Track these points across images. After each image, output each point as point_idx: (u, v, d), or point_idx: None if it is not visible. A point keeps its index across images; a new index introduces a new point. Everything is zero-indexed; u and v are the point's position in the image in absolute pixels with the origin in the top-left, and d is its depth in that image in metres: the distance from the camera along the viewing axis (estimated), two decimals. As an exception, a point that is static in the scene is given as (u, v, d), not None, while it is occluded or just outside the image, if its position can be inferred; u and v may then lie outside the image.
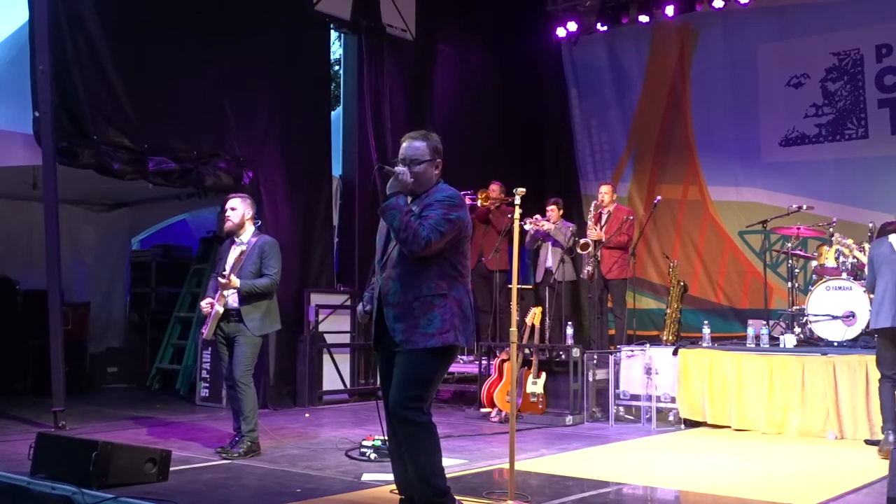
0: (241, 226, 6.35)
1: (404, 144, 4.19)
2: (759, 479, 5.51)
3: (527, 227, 9.25)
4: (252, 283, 6.17)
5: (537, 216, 9.52)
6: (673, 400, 7.85)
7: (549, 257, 9.50)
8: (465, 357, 9.58)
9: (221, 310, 6.16)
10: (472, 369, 9.30)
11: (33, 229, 9.82)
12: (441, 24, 11.37)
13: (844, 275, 7.78)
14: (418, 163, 4.12)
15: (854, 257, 7.74)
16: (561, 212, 9.68)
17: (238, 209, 6.33)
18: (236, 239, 6.36)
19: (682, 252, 11.56)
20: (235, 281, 6.12)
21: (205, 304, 6.26)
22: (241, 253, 6.23)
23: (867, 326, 7.45)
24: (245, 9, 9.06)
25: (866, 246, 7.84)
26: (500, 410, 8.05)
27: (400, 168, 4.09)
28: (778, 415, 7.38)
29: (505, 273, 9.80)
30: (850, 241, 7.71)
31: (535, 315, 8.29)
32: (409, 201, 4.12)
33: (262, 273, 6.22)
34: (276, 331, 6.95)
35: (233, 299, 6.18)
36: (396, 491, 4.29)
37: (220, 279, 6.17)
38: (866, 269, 6.73)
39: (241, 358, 6.17)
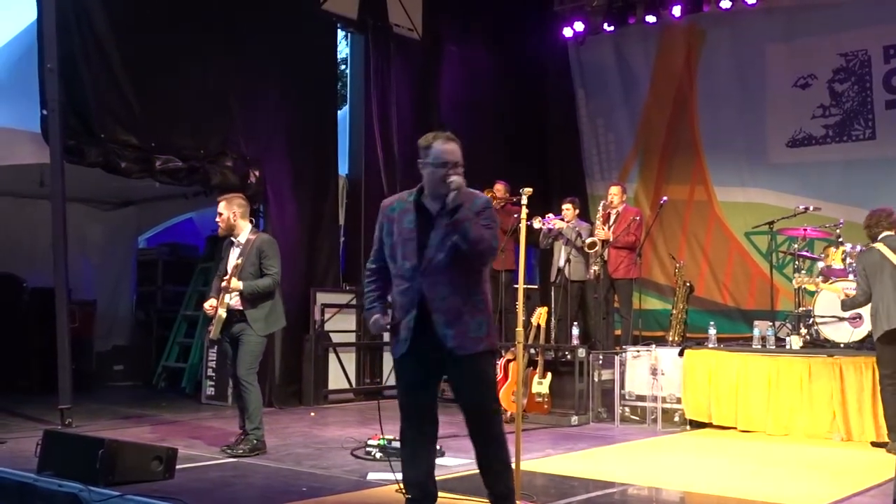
0: (231, 227, 6.33)
1: (445, 147, 4.02)
2: (764, 481, 5.50)
3: (536, 225, 9.24)
4: (254, 284, 6.16)
5: (550, 215, 9.51)
6: (678, 401, 7.84)
7: (563, 256, 9.48)
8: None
9: (224, 314, 6.16)
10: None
11: (40, 227, 9.81)
12: (448, 23, 11.38)
13: (851, 276, 7.76)
14: (461, 165, 4.03)
15: None
16: (577, 210, 9.69)
17: (224, 213, 6.31)
18: (234, 239, 6.36)
19: (689, 252, 11.55)
20: (237, 284, 6.12)
21: (207, 305, 6.27)
22: (240, 255, 6.23)
23: (871, 335, 7.41)
24: (253, 8, 9.08)
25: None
26: (505, 410, 8.04)
27: (459, 178, 3.98)
28: (784, 416, 7.36)
29: (510, 273, 9.80)
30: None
31: (540, 315, 8.29)
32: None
33: (262, 273, 6.21)
34: (282, 330, 6.96)
35: (235, 301, 6.18)
36: (402, 490, 4.28)
37: (221, 282, 6.18)
38: (857, 281, 6.81)
39: (244, 356, 6.18)
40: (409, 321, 3.99)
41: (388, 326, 4.09)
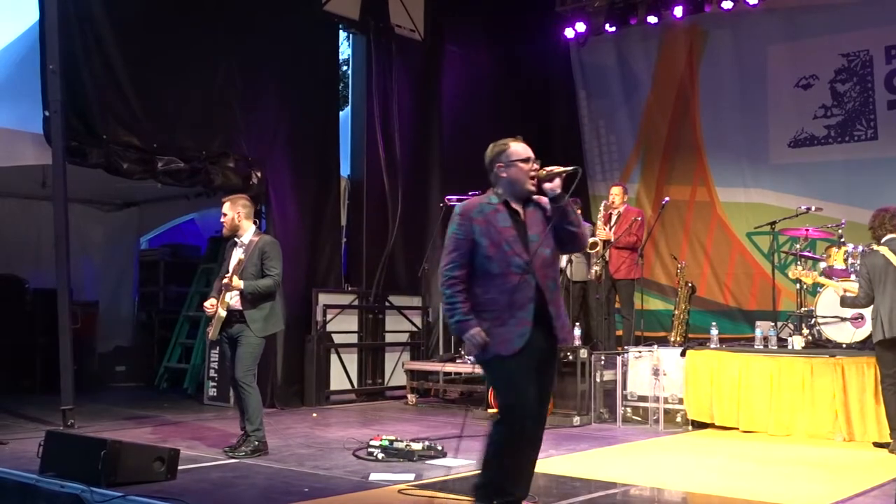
0: (235, 228, 6.34)
1: (520, 145, 4.19)
2: (766, 481, 5.50)
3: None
4: (255, 283, 6.16)
5: None
6: (680, 401, 7.84)
7: (564, 257, 9.45)
8: (472, 357, 9.56)
9: (224, 314, 6.16)
10: (480, 370, 9.29)
11: (42, 228, 9.86)
12: (449, 24, 11.38)
13: (853, 276, 7.75)
14: None
15: None
16: (578, 211, 9.65)
17: (228, 213, 6.33)
18: (237, 239, 6.37)
19: (691, 253, 11.54)
20: (238, 282, 6.12)
21: (207, 304, 6.28)
22: (243, 254, 6.24)
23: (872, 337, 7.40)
24: (254, 8, 9.09)
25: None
26: (507, 411, 8.03)
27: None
28: (786, 417, 7.36)
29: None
30: None
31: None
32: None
33: (263, 273, 6.22)
34: (284, 330, 6.96)
35: (235, 301, 6.18)
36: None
37: (222, 281, 6.19)
38: (859, 283, 6.76)
39: (242, 357, 6.18)
40: (526, 315, 3.95)
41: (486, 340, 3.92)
